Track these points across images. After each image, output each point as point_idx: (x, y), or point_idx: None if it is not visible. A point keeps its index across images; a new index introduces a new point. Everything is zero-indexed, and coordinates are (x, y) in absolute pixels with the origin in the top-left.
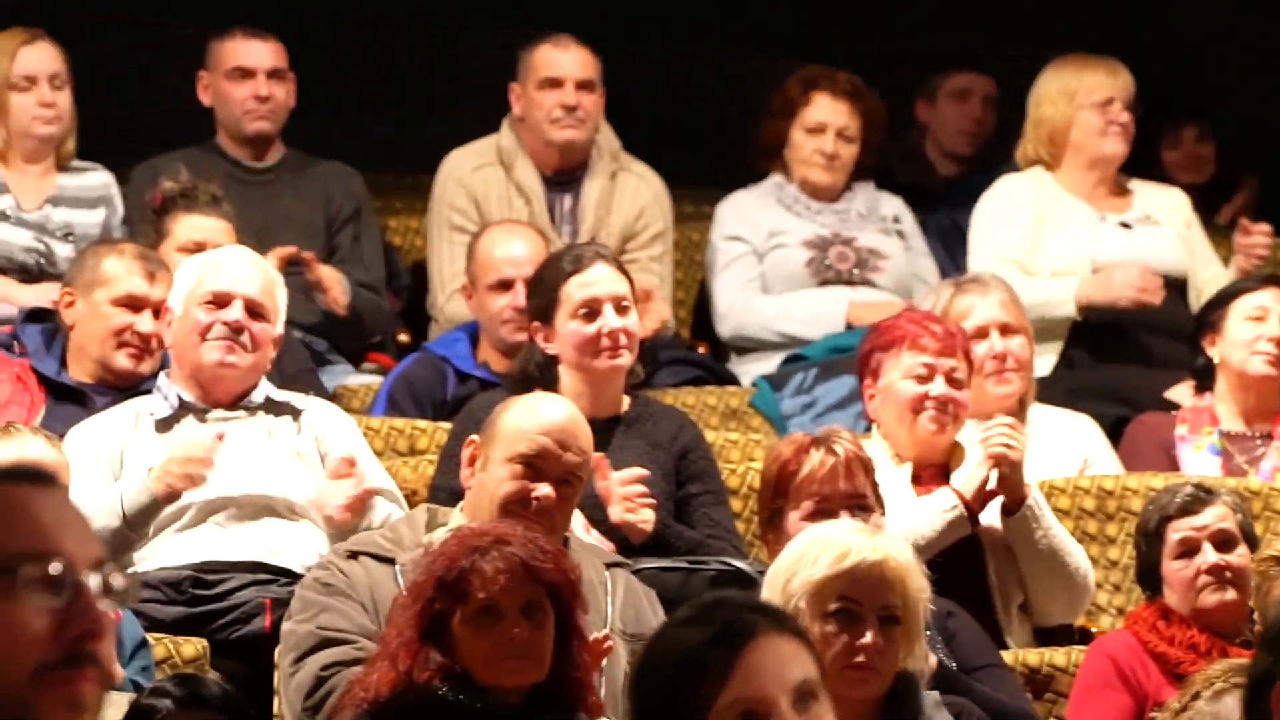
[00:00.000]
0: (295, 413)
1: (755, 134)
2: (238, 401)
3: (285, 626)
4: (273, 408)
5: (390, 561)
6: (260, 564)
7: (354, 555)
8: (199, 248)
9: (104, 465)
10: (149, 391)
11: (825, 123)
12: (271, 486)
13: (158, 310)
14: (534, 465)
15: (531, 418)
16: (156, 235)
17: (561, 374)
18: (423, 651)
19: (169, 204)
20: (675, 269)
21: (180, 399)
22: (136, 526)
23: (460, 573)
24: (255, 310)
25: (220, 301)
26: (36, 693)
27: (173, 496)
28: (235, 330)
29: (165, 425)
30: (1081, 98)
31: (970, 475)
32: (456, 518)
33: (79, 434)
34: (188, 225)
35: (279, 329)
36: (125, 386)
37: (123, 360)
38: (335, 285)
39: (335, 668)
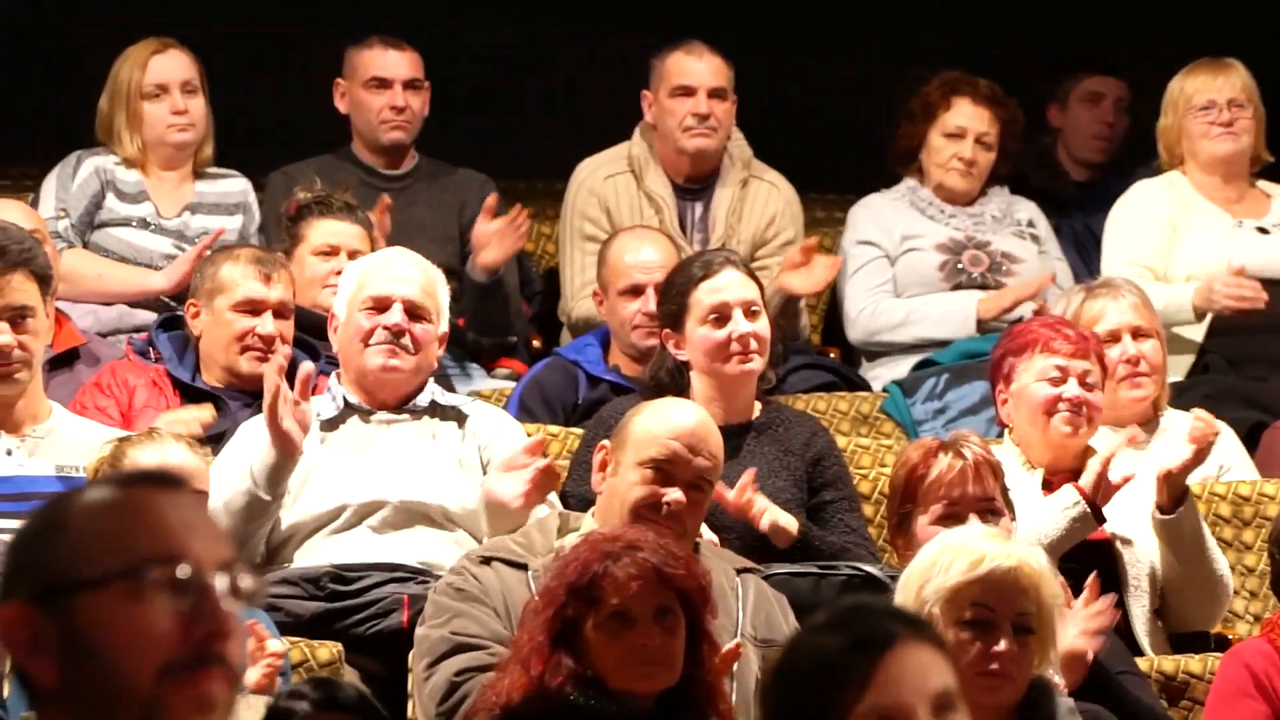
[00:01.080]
0: (461, 418)
1: (891, 137)
2: (403, 404)
3: (419, 631)
4: (438, 411)
5: (523, 567)
6: (399, 564)
7: (487, 561)
8: (334, 251)
9: None
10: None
11: (965, 128)
12: (428, 494)
13: (279, 311)
14: (664, 470)
15: (662, 423)
16: (291, 240)
17: (692, 380)
18: (555, 657)
19: (302, 211)
20: None
21: (346, 400)
22: (270, 487)
23: (593, 578)
24: (416, 312)
25: (380, 306)
26: (165, 692)
27: (291, 448)
28: (396, 334)
29: (330, 425)
30: (1185, 104)
31: (1089, 470)
32: (588, 523)
33: (248, 429)
34: (322, 229)
35: (443, 327)
36: (257, 390)
37: (248, 364)
38: None
39: (468, 673)
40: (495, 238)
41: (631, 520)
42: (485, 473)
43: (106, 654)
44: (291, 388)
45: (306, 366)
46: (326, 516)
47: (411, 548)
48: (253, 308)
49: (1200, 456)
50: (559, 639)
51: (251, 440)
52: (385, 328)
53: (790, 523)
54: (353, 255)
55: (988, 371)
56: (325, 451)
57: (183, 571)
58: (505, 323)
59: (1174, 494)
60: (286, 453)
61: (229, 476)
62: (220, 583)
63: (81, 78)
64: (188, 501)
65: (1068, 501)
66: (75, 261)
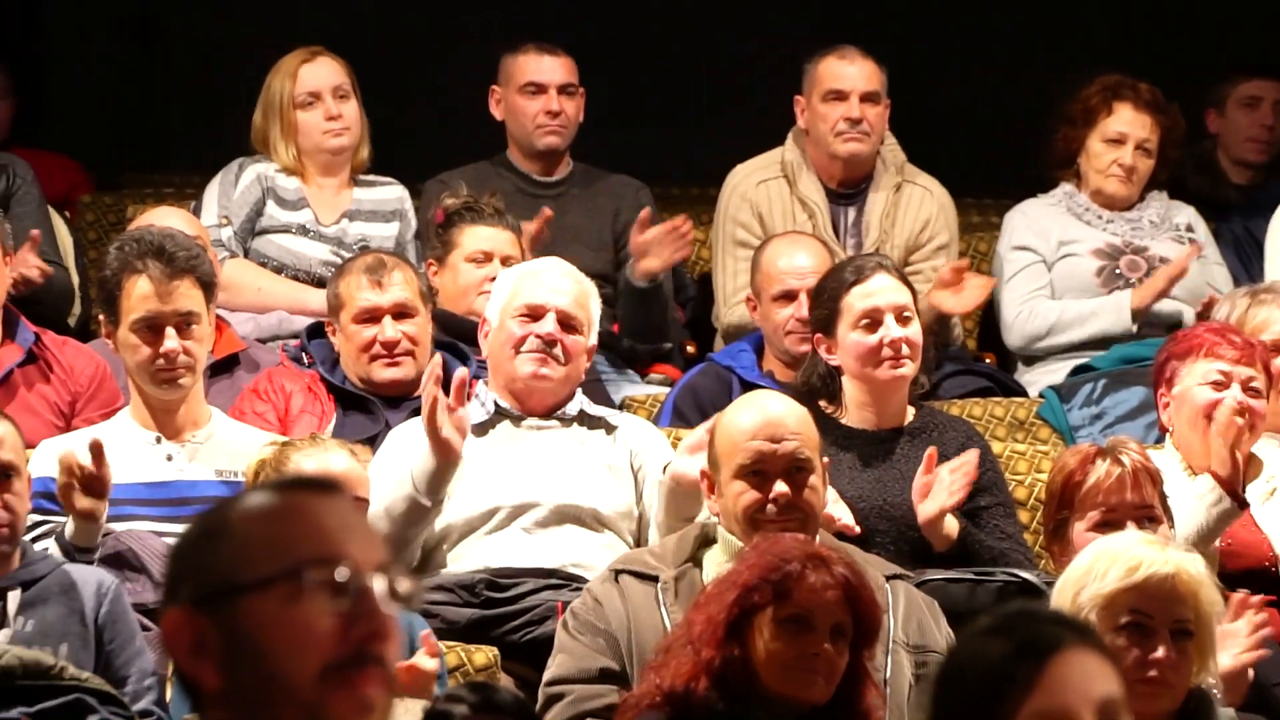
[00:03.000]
0: (610, 427)
1: (1049, 142)
2: (552, 412)
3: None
4: (587, 420)
5: (653, 579)
6: (553, 570)
7: (617, 575)
8: (487, 257)
9: None
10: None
11: (1126, 134)
12: (579, 496)
13: (398, 313)
14: (758, 471)
15: (736, 428)
16: (443, 248)
17: (844, 384)
18: (727, 645)
19: (453, 218)
20: None
21: (497, 405)
22: (431, 492)
23: (786, 575)
24: (568, 323)
25: (534, 314)
26: (324, 693)
27: (451, 454)
28: (548, 344)
29: (481, 430)
30: None
31: (1214, 453)
32: (724, 536)
33: (400, 434)
34: (474, 236)
35: (592, 339)
36: (401, 395)
37: (379, 372)
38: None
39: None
40: (654, 246)
41: (750, 529)
42: (637, 479)
43: (268, 656)
44: (446, 393)
45: (461, 372)
46: (479, 519)
47: (563, 549)
48: (370, 316)
49: None
50: (734, 625)
51: (407, 444)
52: (538, 336)
53: (952, 524)
54: (505, 261)
55: (1145, 377)
56: (477, 455)
57: (341, 573)
58: (661, 329)
59: None
60: (446, 459)
61: (388, 481)
62: (378, 585)
63: (243, 86)
64: (345, 506)
65: (1204, 489)
66: (237, 273)
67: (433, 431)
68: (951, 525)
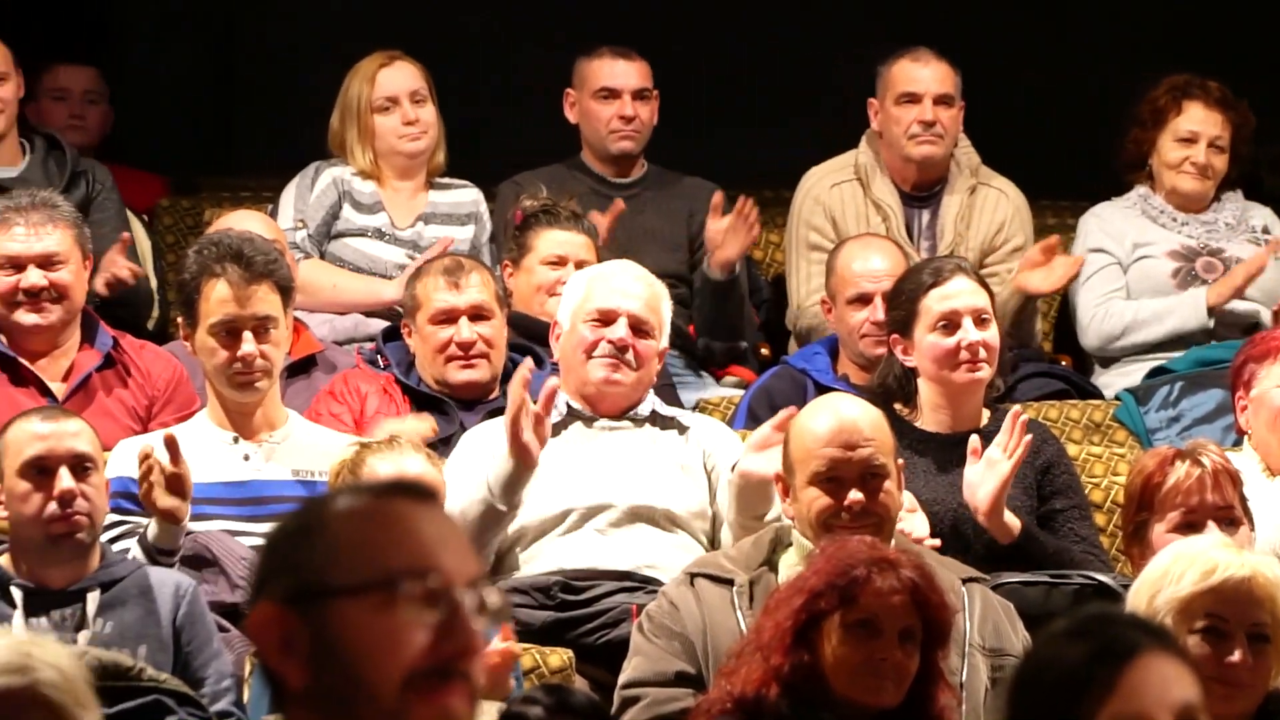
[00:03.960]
0: (682, 427)
1: (1121, 144)
2: (624, 413)
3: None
4: (659, 421)
5: (728, 583)
6: (628, 573)
7: (693, 579)
8: (562, 261)
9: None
10: (498, 403)
11: (1197, 133)
12: (653, 496)
13: (474, 314)
14: (833, 478)
15: (810, 435)
16: (519, 250)
17: (920, 387)
18: (795, 650)
19: (530, 221)
20: None
21: (569, 406)
22: (506, 497)
23: (853, 580)
24: (640, 327)
25: (606, 319)
26: (409, 704)
27: (529, 460)
28: (620, 349)
29: (553, 431)
30: None
31: None
32: (798, 539)
33: (474, 436)
34: (550, 239)
35: (663, 343)
36: (476, 398)
37: (455, 373)
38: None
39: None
40: (728, 234)
41: (824, 534)
42: (710, 480)
43: (355, 661)
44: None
45: (553, 381)
46: (552, 521)
47: (636, 550)
48: (447, 316)
49: None
50: (802, 631)
51: (482, 447)
52: (609, 341)
53: (1013, 520)
54: (580, 265)
55: (1222, 379)
56: (549, 457)
57: (434, 585)
58: (738, 326)
59: None
60: (524, 464)
61: (464, 485)
62: (469, 599)
63: (320, 90)
64: (441, 515)
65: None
66: (311, 272)
67: (514, 435)
68: (1012, 518)
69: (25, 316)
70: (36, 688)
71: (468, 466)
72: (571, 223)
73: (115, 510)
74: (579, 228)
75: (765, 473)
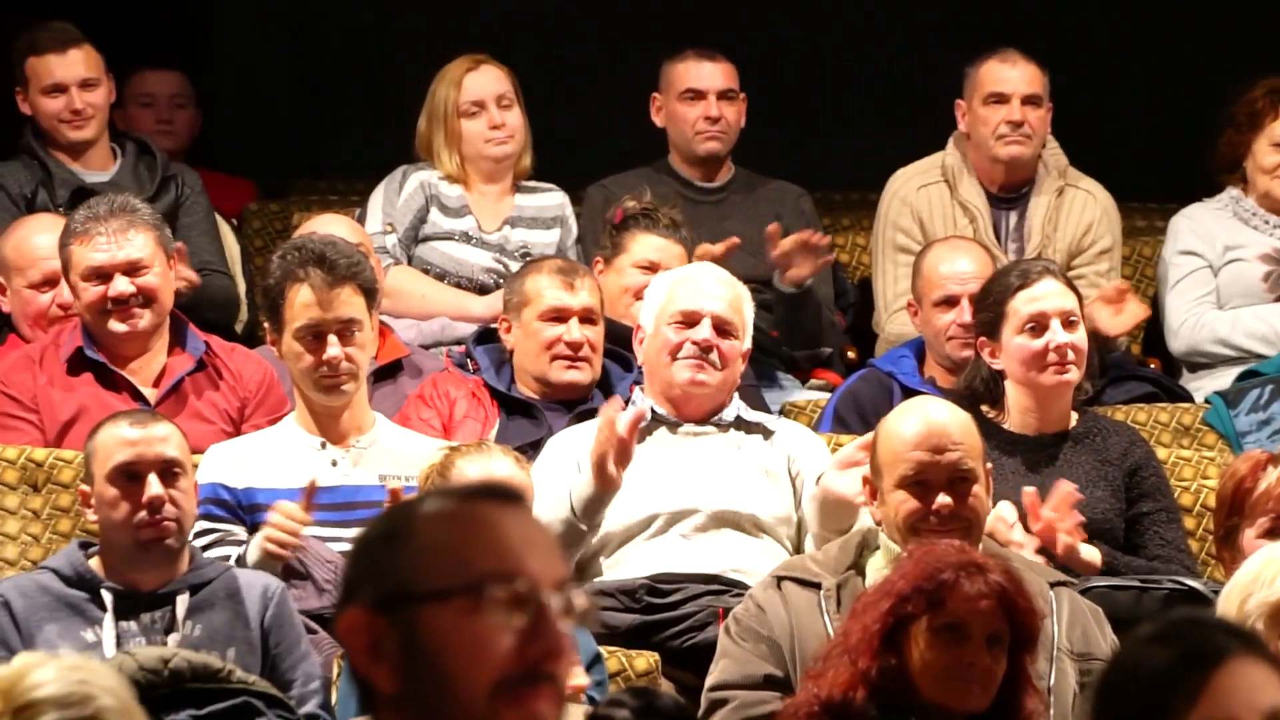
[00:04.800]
0: (767, 432)
1: (1214, 146)
2: (709, 417)
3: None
4: (744, 425)
5: (815, 586)
6: (715, 576)
7: (780, 582)
8: (653, 267)
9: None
10: (591, 405)
11: None
12: (738, 501)
13: (585, 317)
14: (920, 482)
15: (898, 439)
16: (613, 249)
17: (1007, 389)
18: (883, 654)
19: (629, 221)
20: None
21: (654, 411)
22: (587, 517)
23: (940, 584)
24: (724, 328)
25: (689, 320)
26: (498, 708)
27: (612, 485)
28: (704, 350)
29: (638, 437)
30: None
31: None
32: (885, 542)
33: (561, 440)
34: (645, 244)
35: (746, 344)
36: (571, 399)
37: (559, 373)
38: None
39: None
40: (797, 256)
41: (911, 537)
42: (795, 485)
43: (444, 666)
44: (605, 398)
45: (642, 406)
46: (637, 526)
47: (722, 555)
48: (558, 315)
49: None
50: (889, 635)
51: (568, 451)
52: (694, 343)
53: (1093, 554)
54: None
55: None
56: (635, 462)
57: (521, 589)
58: (814, 334)
59: None
60: (607, 489)
61: (549, 498)
62: (556, 602)
63: (407, 94)
64: (527, 518)
65: None
66: (401, 280)
67: (601, 462)
68: (1091, 553)
69: (116, 325)
70: (100, 717)
71: (554, 473)
72: (669, 231)
73: (206, 516)
74: (675, 237)
75: (846, 493)
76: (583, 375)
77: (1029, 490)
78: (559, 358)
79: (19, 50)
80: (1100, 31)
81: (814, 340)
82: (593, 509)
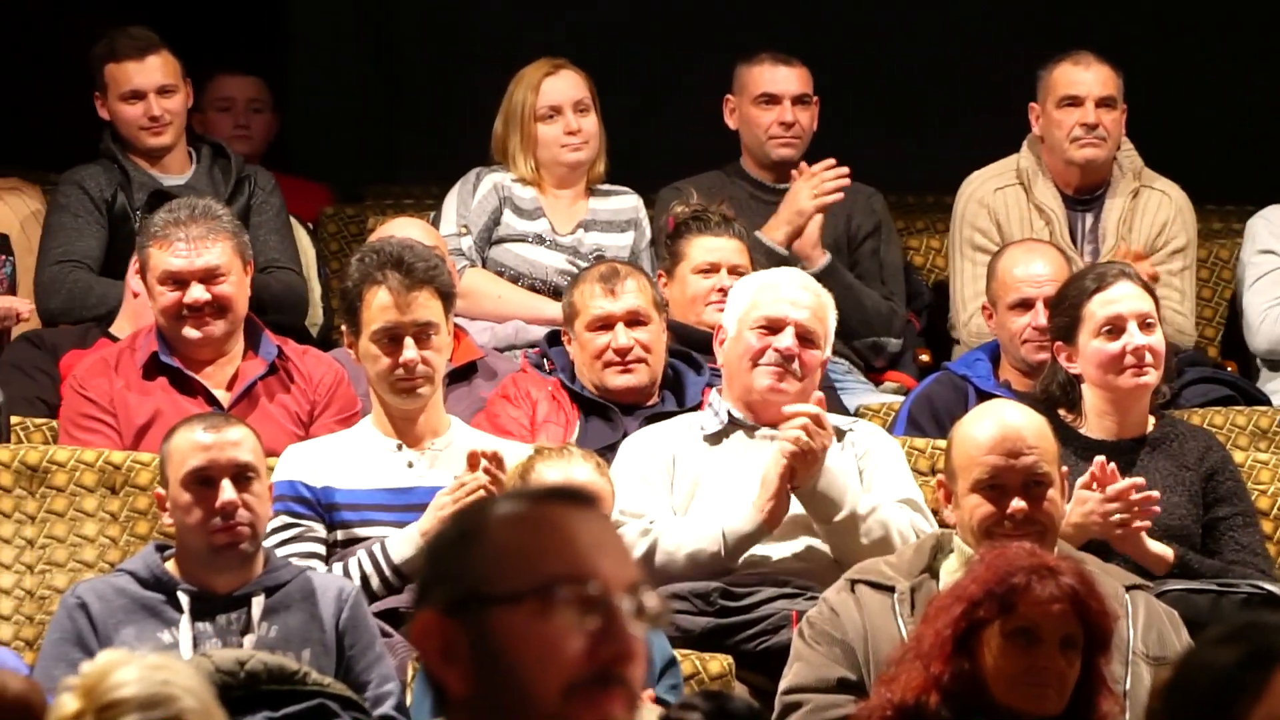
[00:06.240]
0: (841, 434)
1: None
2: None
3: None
4: None
5: (889, 590)
6: (788, 579)
7: (853, 585)
8: (714, 268)
9: (657, 472)
10: (661, 408)
11: None
12: None
13: (630, 320)
14: (995, 486)
15: (974, 443)
16: (672, 259)
17: (1085, 393)
18: (956, 659)
19: (680, 229)
20: (1203, 286)
21: (730, 415)
22: (735, 554)
23: (1011, 588)
24: (807, 337)
25: (773, 327)
26: (568, 710)
27: (774, 525)
28: (787, 358)
29: (715, 439)
30: None
31: None
32: (960, 546)
33: (636, 441)
34: (700, 248)
35: (827, 351)
36: (636, 403)
37: (612, 379)
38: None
39: None
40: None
41: (984, 540)
42: (862, 481)
43: (515, 669)
44: (682, 401)
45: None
46: None
47: (795, 558)
48: (604, 323)
49: None
50: (962, 639)
51: (644, 453)
52: (776, 350)
53: (1163, 550)
54: (733, 270)
55: None
56: (711, 465)
57: (592, 591)
58: (857, 317)
59: None
60: (770, 527)
61: (694, 526)
62: (627, 604)
63: (480, 97)
64: (599, 520)
65: None
66: (476, 282)
67: (780, 505)
68: (1160, 549)
69: (189, 331)
70: (182, 717)
71: (635, 478)
72: (722, 228)
73: (285, 513)
74: (730, 232)
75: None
76: (637, 378)
77: (1100, 459)
78: (610, 365)
79: (98, 56)
80: (1176, 32)
81: (860, 327)
82: (746, 548)
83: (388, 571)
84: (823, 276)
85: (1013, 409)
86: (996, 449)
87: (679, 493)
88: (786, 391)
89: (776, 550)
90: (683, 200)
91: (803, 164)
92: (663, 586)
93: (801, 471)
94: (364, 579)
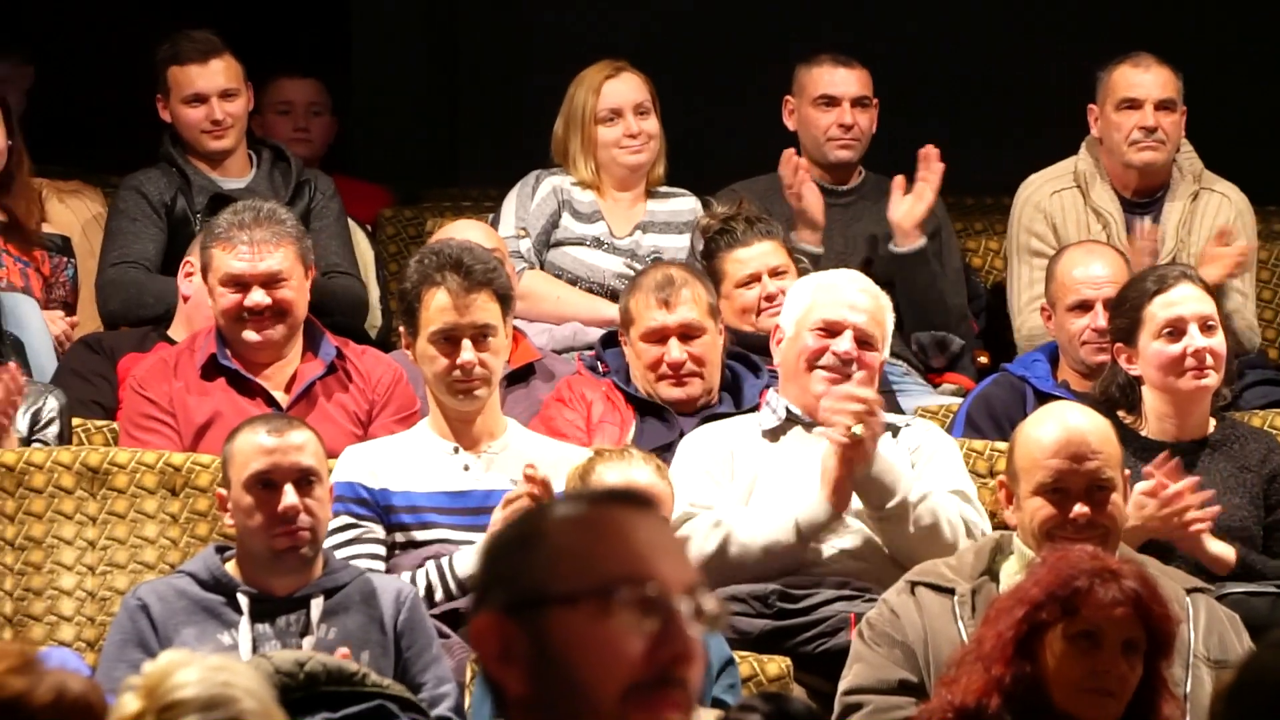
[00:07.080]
0: (894, 430)
1: None
2: None
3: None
4: None
5: (949, 592)
6: (847, 581)
7: (913, 587)
8: (754, 278)
9: (719, 466)
10: (719, 409)
11: None
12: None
13: (683, 334)
14: (1058, 490)
15: (1037, 446)
16: (713, 278)
17: (1144, 395)
18: (1017, 661)
19: (711, 245)
20: (1263, 288)
21: (788, 411)
22: (808, 542)
23: (1074, 591)
24: (865, 340)
25: (832, 330)
26: (626, 712)
27: (842, 509)
28: (845, 361)
29: (773, 435)
30: None
31: None
32: (1020, 548)
33: (695, 438)
34: (735, 261)
35: (885, 354)
36: (694, 410)
37: (667, 391)
38: None
39: None
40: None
41: (1045, 543)
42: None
43: (574, 670)
44: (740, 403)
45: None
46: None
47: (852, 555)
48: (658, 336)
49: None
50: (1023, 642)
51: (703, 452)
52: (835, 353)
53: (1225, 550)
54: (774, 273)
55: None
56: (770, 461)
57: (651, 593)
58: (935, 308)
59: None
60: (840, 511)
61: (765, 519)
62: (685, 606)
63: (540, 100)
64: (657, 522)
65: None
66: (535, 283)
67: (844, 487)
68: (1222, 549)
69: (249, 334)
70: (242, 719)
71: (694, 477)
72: (750, 233)
73: (346, 513)
74: (760, 234)
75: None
76: (689, 391)
77: (1164, 454)
78: (664, 377)
79: (160, 59)
80: (1235, 33)
81: (936, 317)
82: (820, 532)
83: (453, 586)
84: (915, 258)
85: (1077, 412)
86: (1060, 452)
87: (738, 488)
88: None
89: (831, 547)
90: (709, 213)
91: (787, 151)
92: (721, 587)
93: (855, 459)
94: (428, 590)
